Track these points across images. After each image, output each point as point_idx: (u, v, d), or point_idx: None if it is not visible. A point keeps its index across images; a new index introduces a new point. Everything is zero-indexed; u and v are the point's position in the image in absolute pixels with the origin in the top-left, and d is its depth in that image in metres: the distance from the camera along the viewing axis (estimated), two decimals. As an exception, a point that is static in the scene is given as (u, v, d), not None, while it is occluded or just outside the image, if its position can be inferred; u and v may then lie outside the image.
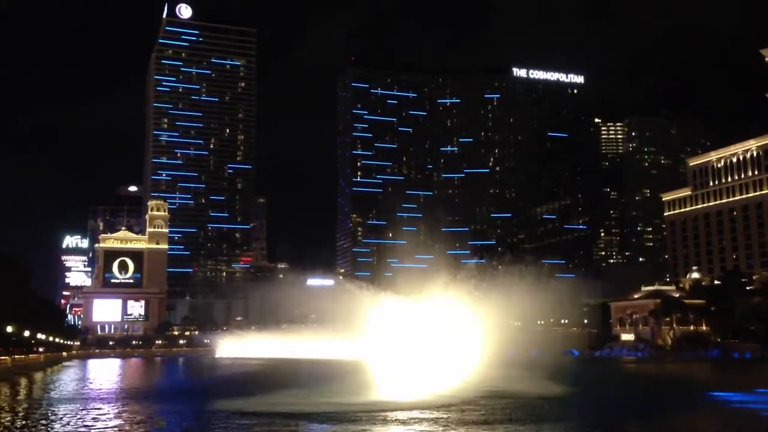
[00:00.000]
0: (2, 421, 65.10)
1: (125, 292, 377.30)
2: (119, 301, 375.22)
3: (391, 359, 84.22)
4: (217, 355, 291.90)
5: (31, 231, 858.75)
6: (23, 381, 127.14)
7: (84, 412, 70.78)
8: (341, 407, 68.90)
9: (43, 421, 64.25)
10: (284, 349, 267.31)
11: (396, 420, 61.65)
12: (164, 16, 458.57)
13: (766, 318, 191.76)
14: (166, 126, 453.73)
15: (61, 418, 65.80)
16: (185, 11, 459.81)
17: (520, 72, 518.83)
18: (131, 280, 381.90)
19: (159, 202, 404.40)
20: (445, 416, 63.58)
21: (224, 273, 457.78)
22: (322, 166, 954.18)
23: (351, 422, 60.10)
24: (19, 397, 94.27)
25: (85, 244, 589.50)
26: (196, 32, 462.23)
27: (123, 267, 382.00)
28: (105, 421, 63.62)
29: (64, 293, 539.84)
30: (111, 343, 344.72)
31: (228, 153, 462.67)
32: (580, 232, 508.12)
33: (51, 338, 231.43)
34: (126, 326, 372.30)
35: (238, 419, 62.91)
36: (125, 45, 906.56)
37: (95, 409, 73.70)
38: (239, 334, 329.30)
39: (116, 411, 72.26)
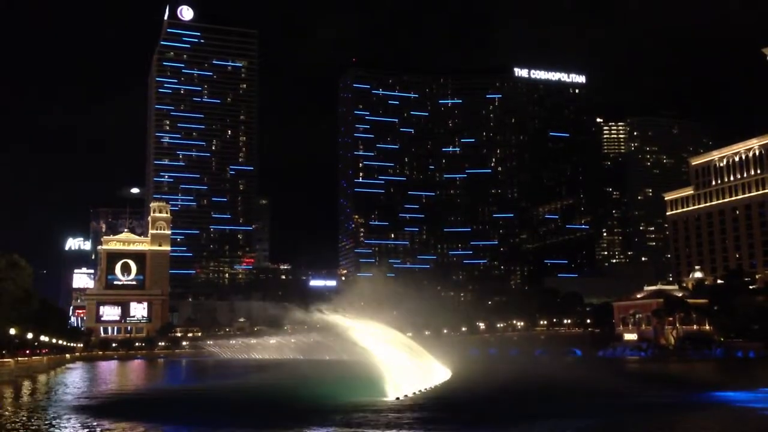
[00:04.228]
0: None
1: (128, 294, 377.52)
2: (122, 303, 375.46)
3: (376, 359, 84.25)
4: (219, 357, 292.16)
5: (33, 233, 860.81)
6: (26, 383, 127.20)
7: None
8: None
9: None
10: (283, 350, 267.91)
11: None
12: (165, 18, 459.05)
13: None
14: (167, 128, 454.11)
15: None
16: (186, 13, 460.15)
17: (521, 72, 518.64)
18: (134, 282, 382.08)
19: (161, 203, 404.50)
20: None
21: (227, 274, 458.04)
22: (324, 167, 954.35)
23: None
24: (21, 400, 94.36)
25: (87, 246, 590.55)
26: (198, 34, 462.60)
27: (126, 269, 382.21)
28: None
29: (67, 295, 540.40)
30: (114, 345, 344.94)
31: (230, 154, 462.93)
32: (582, 232, 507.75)
33: (54, 340, 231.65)
34: (129, 328, 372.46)
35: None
36: (127, 47, 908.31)
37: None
38: (241, 337, 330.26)
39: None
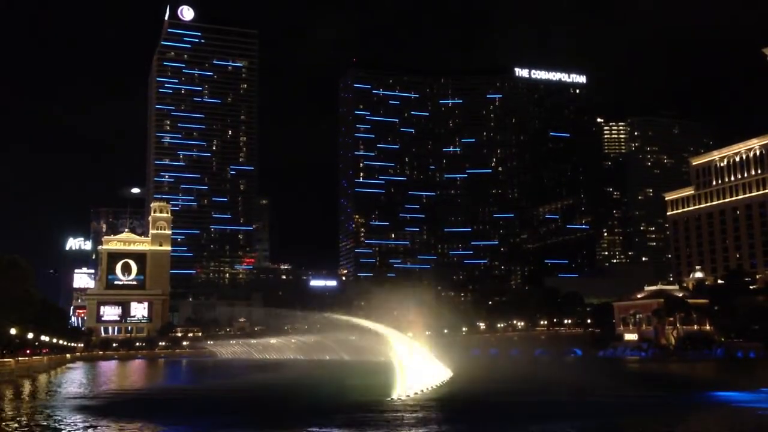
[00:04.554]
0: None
1: (128, 293, 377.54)
2: (122, 303, 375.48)
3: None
4: (219, 357, 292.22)
5: (34, 233, 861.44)
6: (26, 384, 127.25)
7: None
8: None
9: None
10: (282, 351, 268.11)
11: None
12: (166, 18, 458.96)
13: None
14: (168, 128, 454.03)
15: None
16: (187, 13, 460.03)
17: (521, 72, 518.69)
18: (134, 282, 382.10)
19: (162, 203, 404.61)
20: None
21: (227, 274, 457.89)
22: (324, 167, 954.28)
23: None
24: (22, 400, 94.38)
25: (88, 246, 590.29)
26: (198, 34, 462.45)
27: (126, 269, 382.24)
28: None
29: (68, 295, 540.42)
30: (114, 344, 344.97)
31: (230, 154, 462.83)
32: (582, 232, 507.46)
33: (55, 340, 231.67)
34: (129, 328, 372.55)
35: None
36: (127, 47, 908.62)
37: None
38: (242, 337, 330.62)
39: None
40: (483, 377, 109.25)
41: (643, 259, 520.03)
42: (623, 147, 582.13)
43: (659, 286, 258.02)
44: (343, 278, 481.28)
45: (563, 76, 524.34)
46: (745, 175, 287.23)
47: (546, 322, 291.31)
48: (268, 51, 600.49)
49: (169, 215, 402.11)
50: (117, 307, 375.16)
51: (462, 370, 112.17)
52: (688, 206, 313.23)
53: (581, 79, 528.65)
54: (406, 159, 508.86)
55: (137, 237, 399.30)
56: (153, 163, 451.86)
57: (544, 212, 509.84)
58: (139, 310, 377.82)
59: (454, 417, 63.01)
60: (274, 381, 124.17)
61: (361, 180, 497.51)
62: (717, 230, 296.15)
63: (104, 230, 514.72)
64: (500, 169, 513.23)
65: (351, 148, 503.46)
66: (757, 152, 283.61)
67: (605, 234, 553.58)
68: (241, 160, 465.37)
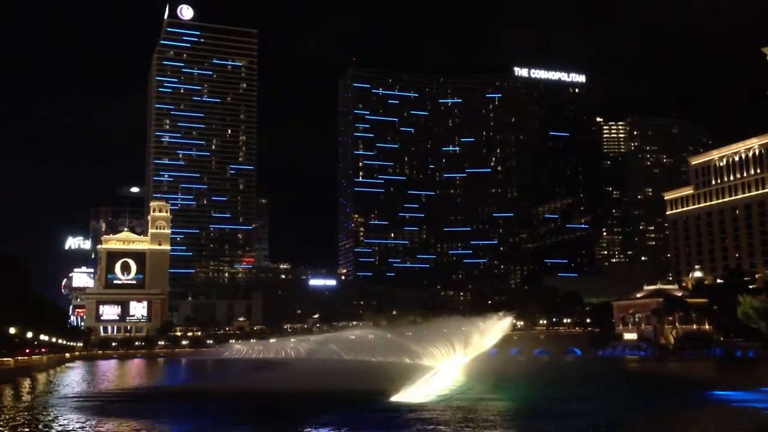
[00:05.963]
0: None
1: (128, 293, 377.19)
2: (122, 302, 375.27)
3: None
4: (218, 356, 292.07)
5: (33, 232, 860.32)
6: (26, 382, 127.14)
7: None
8: None
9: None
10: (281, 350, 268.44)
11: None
12: (165, 17, 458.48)
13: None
14: (167, 127, 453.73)
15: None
16: (186, 12, 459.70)
17: (521, 71, 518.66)
18: (133, 281, 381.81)
19: (161, 203, 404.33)
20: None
21: (226, 274, 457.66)
22: (324, 167, 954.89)
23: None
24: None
25: (87, 245, 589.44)
26: (198, 33, 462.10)
27: (125, 268, 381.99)
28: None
29: (67, 294, 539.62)
30: (114, 344, 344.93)
31: (230, 154, 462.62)
32: (582, 231, 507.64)
33: (54, 339, 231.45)
34: (128, 327, 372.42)
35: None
36: (127, 46, 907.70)
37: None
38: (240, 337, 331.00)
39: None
40: (483, 376, 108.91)
41: (643, 258, 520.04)
42: (623, 146, 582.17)
43: (658, 286, 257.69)
44: (343, 278, 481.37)
45: (563, 76, 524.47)
46: (745, 174, 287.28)
47: (545, 322, 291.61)
48: (267, 50, 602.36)
49: (169, 214, 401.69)
50: (116, 306, 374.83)
51: (461, 369, 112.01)
52: (688, 206, 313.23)
53: (581, 78, 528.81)
54: (406, 158, 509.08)
55: (136, 236, 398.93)
56: (152, 163, 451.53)
57: (543, 212, 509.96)
58: (138, 310, 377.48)
59: (451, 417, 62.93)
60: (275, 380, 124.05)
61: (360, 179, 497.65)
62: (716, 230, 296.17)
63: (103, 229, 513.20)
64: (499, 168, 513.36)
65: (350, 147, 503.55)
66: (757, 152, 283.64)
67: (604, 233, 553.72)
68: (240, 159, 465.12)
